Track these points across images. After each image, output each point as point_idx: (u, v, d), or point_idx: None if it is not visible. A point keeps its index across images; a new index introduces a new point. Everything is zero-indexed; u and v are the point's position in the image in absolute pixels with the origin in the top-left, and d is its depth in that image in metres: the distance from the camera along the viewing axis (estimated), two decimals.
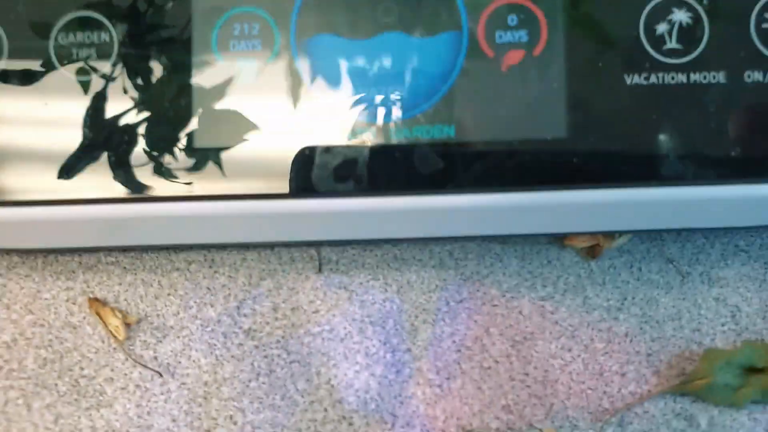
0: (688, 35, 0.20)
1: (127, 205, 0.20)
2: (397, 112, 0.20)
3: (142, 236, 0.21)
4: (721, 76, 0.20)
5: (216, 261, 0.23)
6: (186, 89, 0.21)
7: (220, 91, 0.21)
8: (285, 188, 0.20)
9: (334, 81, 0.21)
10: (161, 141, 0.21)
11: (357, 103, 0.21)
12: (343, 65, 0.21)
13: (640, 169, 0.20)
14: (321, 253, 0.23)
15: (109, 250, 0.22)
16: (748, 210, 0.21)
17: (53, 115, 0.21)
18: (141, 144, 0.20)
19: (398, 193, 0.20)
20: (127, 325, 0.22)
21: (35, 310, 0.22)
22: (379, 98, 0.20)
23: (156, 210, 0.20)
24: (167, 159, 0.20)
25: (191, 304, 0.22)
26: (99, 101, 0.21)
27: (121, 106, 0.21)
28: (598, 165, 0.20)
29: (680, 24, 0.20)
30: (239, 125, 0.20)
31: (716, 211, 0.21)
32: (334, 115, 0.21)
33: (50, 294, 0.23)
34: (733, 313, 0.22)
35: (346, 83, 0.21)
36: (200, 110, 0.21)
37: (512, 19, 0.21)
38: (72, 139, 0.21)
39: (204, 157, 0.20)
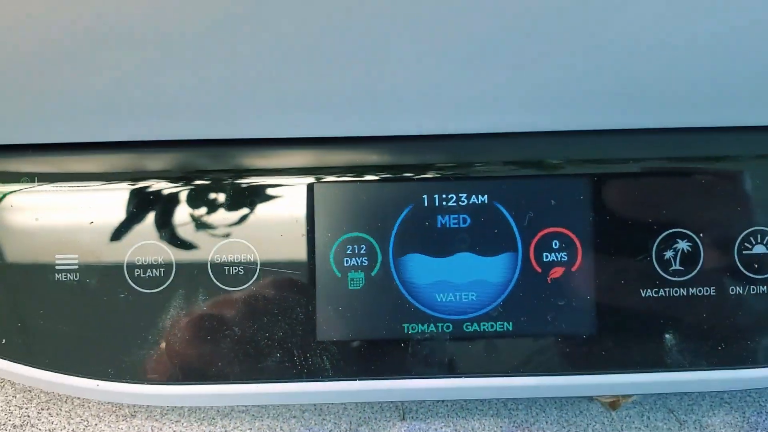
0: (689, 260, 0.27)
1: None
2: (468, 311, 0.27)
3: None
4: (712, 291, 0.27)
5: (323, 410, 0.30)
6: (311, 292, 0.27)
7: (340, 296, 0.27)
8: (385, 370, 0.27)
9: (420, 287, 0.27)
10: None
11: (438, 302, 0.27)
12: (428, 277, 0.27)
13: (650, 358, 0.27)
14: (404, 404, 0.29)
15: None
16: (730, 383, 0.28)
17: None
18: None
19: (468, 374, 0.27)
20: None
21: None
22: (454, 300, 0.27)
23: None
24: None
25: None
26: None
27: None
28: (619, 355, 0.27)
29: (682, 251, 0.27)
30: (351, 321, 0.27)
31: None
32: (420, 311, 0.27)
33: None
34: None
35: (430, 288, 0.27)
36: (322, 307, 0.27)
37: (555, 244, 0.27)
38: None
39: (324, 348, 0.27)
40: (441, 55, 0.23)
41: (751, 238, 0.27)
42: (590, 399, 0.29)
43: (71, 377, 0.27)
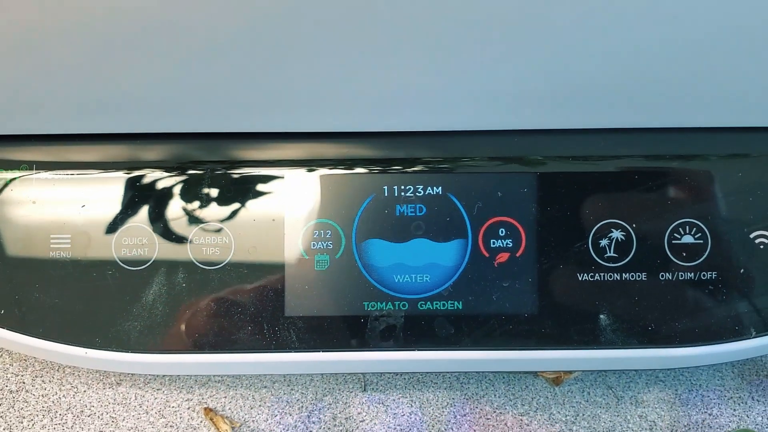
0: (622, 247, 0.30)
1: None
2: (422, 291, 0.30)
3: None
4: (643, 276, 0.30)
5: (292, 381, 0.32)
6: (280, 272, 0.30)
7: (306, 276, 0.30)
8: (347, 344, 0.30)
9: (379, 269, 0.30)
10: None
11: (395, 283, 0.30)
12: (387, 260, 0.30)
13: (586, 336, 0.30)
14: (365, 377, 0.32)
15: None
16: (659, 361, 0.31)
17: None
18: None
19: (422, 348, 0.30)
20: (233, 429, 0.32)
21: (166, 414, 0.32)
22: (410, 281, 0.30)
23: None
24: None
25: (275, 413, 0.32)
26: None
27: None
28: (558, 334, 0.30)
29: (617, 239, 0.30)
30: (316, 299, 0.30)
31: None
32: (378, 290, 0.30)
33: (176, 403, 0.32)
34: (651, 427, 0.32)
35: (388, 271, 0.30)
36: (291, 285, 0.30)
37: (502, 231, 0.30)
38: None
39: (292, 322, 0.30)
40: (401, 58, 0.26)
41: (680, 229, 0.30)
42: (535, 375, 0.32)
43: (62, 345, 0.30)
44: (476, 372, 0.32)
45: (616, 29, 0.24)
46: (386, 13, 0.24)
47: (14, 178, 0.31)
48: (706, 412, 0.31)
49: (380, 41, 0.25)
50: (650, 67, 0.26)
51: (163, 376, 0.32)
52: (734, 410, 0.31)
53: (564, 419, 0.31)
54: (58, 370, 0.33)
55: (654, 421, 0.31)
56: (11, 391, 0.33)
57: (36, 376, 0.33)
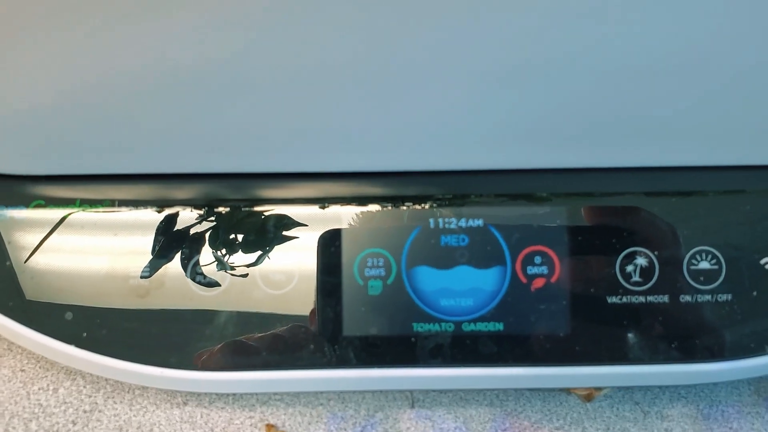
0: (646, 273, 0.33)
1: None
2: (465, 313, 0.33)
3: None
4: (666, 298, 0.33)
5: (345, 398, 0.35)
6: (338, 296, 0.34)
7: (361, 300, 0.33)
8: (398, 361, 0.33)
9: (427, 294, 0.34)
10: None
11: (441, 306, 0.33)
12: (434, 285, 0.34)
13: (615, 354, 0.33)
14: (413, 394, 0.35)
15: None
16: (682, 377, 0.34)
17: None
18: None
19: (466, 365, 0.33)
20: None
21: (230, 431, 0.35)
22: (455, 304, 0.33)
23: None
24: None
25: (331, 428, 0.35)
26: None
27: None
28: (589, 351, 0.33)
29: (641, 266, 0.33)
30: (371, 320, 0.33)
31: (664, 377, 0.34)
32: (426, 313, 0.33)
33: (239, 420, 0.35)
34: None
35: (435, 295, 0.34)
36: (348, 308, 0.33)
37: (538, 259, 0.34)
38: None
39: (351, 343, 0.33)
40: (443, 104, 0.30)
41: (698, 256, 0.33)
42: (568, 392, 0.35)
43: (139, 365, 0.33)
44: (514, 390, 0.35)
45: (647, 75, 0.28)
46: (429, 55, 0.28)
47: (99, 211, 0.34)
48: (727, 426, 0.34)
49: (423, 87, 0.29)
50: (671, 113, 0.30)
51: (227, 395, 0.35)
52: (753, 424, 0.34)
53: None
54: (128, 392, 0.36)
55: None
56: (85, 411, 0.35)
57: (108, 397, 0.36)
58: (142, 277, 0.33)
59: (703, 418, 0.34)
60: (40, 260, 0.34)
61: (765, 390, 0.35)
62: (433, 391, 0.35)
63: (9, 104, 0.30)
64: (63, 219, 0.34)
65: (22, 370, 0.36)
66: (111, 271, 0.34)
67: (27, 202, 0.34)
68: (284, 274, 0.33)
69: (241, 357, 0.33)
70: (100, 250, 0.34)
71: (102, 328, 0.33)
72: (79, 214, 0.34)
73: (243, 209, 0.34)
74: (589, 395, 0.35)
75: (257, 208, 0.34)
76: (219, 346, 0.33)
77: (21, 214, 0.34)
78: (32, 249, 0.34)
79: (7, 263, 0.34)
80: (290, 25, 0.26)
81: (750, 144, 0.32)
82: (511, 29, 0.26)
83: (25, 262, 0.34)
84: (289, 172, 0.34)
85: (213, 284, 0.33)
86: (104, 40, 0.26)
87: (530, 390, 0.35)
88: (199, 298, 0.33)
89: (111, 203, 0.34)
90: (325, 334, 0.33)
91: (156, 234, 0.34)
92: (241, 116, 0.30)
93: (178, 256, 0.34)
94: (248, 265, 0.33)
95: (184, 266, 0.34)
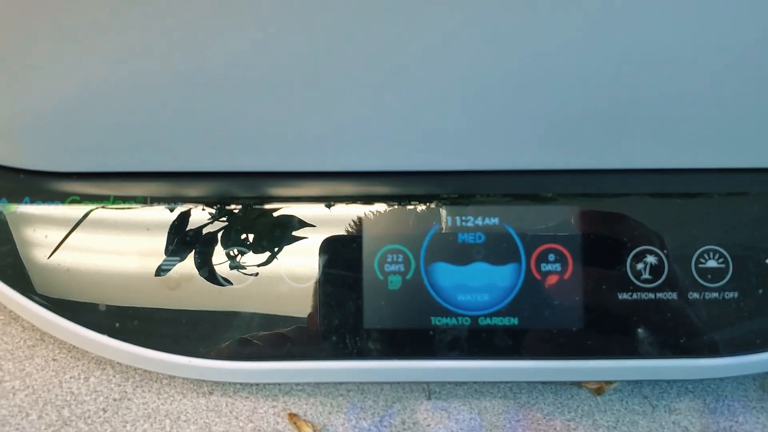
0: (656, 270, 0.35)
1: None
2: (481, 308, 0.35)
3: None
4: (674, 295, 0.35)
5: (365, 389, 0.37)
6: (359, 290, 0.35)
7: (381, 294, 0.35)
8: (417, 353, 0.35)
9: (444, 289, 0.35)
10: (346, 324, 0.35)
11: (459, 301, 0.35)
12: (451, 281, 0.35)
13: (625, 348, 0.34)
14: (429, 387, 0.37)
15: None
16: (689, 371, 0.35)
17: None
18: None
19: (482, 358, 0.35)
20: (314, 431, 0.36)
21: (254, 420, 0.37)
22: (471, 299, 0.35)
23: None
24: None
25: (351, 418, 0.36)
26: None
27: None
28: (600, 346, 0.34)
29: (651, 264, 0.35)
30: (391, 314, 0.35)
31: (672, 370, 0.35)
32: (444, 307, 0.35)
33: (263, 410, 0.37)
34: None
35: (452, 290, 0.35)
36: (368, 302, 0.35)
37: (551, 257, 0.35)
38: None
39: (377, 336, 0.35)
40: (466, 110, 0.31)
41: (705, 255, 0.34)
42: (579, 385, 0.36)
43: (169, 354, 0.35)
44: (527, 383, 0.36)
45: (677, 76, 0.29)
46: (448, 59, 0.29)
47: (131, 207, 0.36)
48: (732, 420, 0.35)
49: (440, 95, 0.30)
50: (678, 116, 0.32)
51: (251, 385, 0.37)
52: (758, 418, 0.36)
53: (606, 425, 0.36)
54: (156, 381, 0.37)
55: (686, 427, 0.35)
56: (115, 399, 0.37)
57: (137, 386, 0.37)
58: (171, 271, 0.35)
59: (709, 412, 0.35)
60: (74, 254, 0.36)
61: None
62: (449, 383, 0.36)
63: (41, 104, 0.32)
64: (89, 213, 0.36)
65: (54, 360, 0.38)
66: (141, 265, 0.35)
67: (63, 198, 0.36)
68: (308, 268, 0.35)
69: (264, 348, 0.34)
70: (130, 245, 0.35)
71: (133, 319, 0.35)
72: (111, 211, 0.36)
73: (262, 207, 0.35)
74: (599, 389, 0.36)
75: (286, 208, 0.35)
76: (244, 337, 0.34)
77: (57, 210, 0.36)
78: (67, 243, 0.36)
79: (46, 256, 0.35)
80: (296, 29, 0.28)
81: (755, 147, 0.33)
82: (517, 30, 0.28)
83: (60, 253, 0.36)
84: (325, 170, 0.35)
85: (239, 279, 0.35)
86: (123, 43, 0.28)
87: (543, 383, 0.36)
88: (226, 292, 0.35)
89: (143, 200, 0.36)
90: (346, 327, 0.34)
91: (183, 230, 0.35)
92: (257, 118, 0.32)
93: (206, 251, 0.35)
94: (274, 260, 0.35)
95: (212, 261, 0.35)
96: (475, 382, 0.36)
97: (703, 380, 0.36)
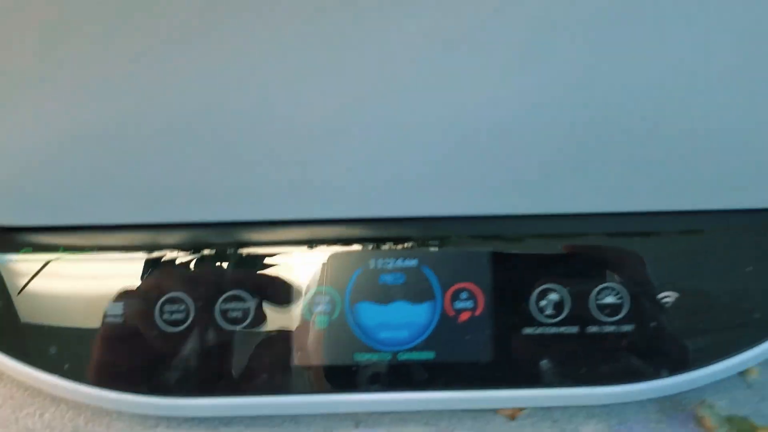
0: (558, 307, 0.38)
1: None
2: (401, 344, 0.38)
3: None
4: (575, 329, 0.38)
5: (298, 420, 0.40)
6: (289, 330, 0.38)
7: (309, 333, 0.38)
8: (342, 387, 0.38)
9: (367, 327, 0.38)
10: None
11: (380, 337, 0.38)
12: (373, 319, 0.38)
13: (532, 378, 0.38)
14: (358, 416, 0.40)
15: None
16: (590, 398, 0.38)
17: None
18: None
19: (402, 390, 0.38)
20: None
21: None
22: (392, 336, 0.38)
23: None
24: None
25: None
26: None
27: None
28: (510, 376, 0.38)
29: (553, 301, 0.38)
30: (318, 351, 0.38)
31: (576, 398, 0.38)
32: (366, 345, 0.38)
33: None
34: None
35: (374, 328, 0.38)
36: (297, 341, 0.38)
37: (464, 295, 0.38)
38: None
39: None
40: (371, 162, 0.35)
41: (604, 291, 0.38)
42: (494, 412, 0.40)
43: (114, 392, 0.38)
44: (448, 410, 0.40)
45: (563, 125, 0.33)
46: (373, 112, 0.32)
47: (77, 257, 0.39)
48: None
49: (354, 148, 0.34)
50: (578, 167, 0.35)
51: (193, 418, 0.40)
52: None
53: None
54: (106, 416, 0.40)
55: None
56: None
57: (88, 421, 0.40)
58: (115, 315, 0.38)
59: None
60: (27, 300, 0.39)
61: (668, 408, 0.40)
62: (376, 413, 0.40)
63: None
64: (46, 264, 0.39)
65: (12, 398, 0.41)
66: (88, 309, 0.38)
67: (17, 249, 0.39)
68: (240, 312, 0.38)
69: (202, 385, 0.37)
70: (78, 290, 0.39)
71: (81, 360, 0.38)
72: (61, 260, 0.39)
73: (198, 255, 0.39)
74: (513, 414, 0.39)
75: (219, 253, 0.39)
76: (182, 375, 0.37)
77: (12, 259, 0.39)
78: (19, 291, 0.39)
79: (2, 304, 0.38)
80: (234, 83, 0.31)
81: (640, 195, 0.37)
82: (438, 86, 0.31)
83: (15, 302, 0.39)
84: (252, 220, 0.39)
85: (175, 324, 0.38)
86: (80, 98, 0.31)
87: (461, 410, 0.40)
88: (166, 334, 0.38)
89: (90, 249, 0.39)
90: (276, 365, 0.37)
91: (127, 278, 0.39)
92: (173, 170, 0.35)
93: (145, 294, 0.38)
94: (208, 305, 0.38)
95: (152, 304, 0.38)
96: (399, 411, 0.40)
97: (609, 405, 0.40)
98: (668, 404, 0.40)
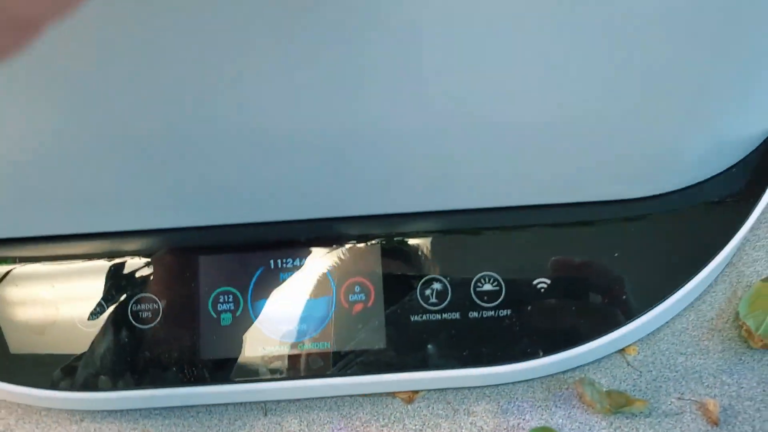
0: (441, 295, 0.42)
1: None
2: (301, 336, 0.42)
3: None
4: (457, 315, 0.42)
5: (212, 410, 0.43)
6: (196, 327, 0.42)
7: (215, 330, 0.42)
8: (247, 377, 0.41)
9: (269, 322, 0.42)
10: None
11: (280, 331, 0.42)
12: (276, 314, 0.42)
13: (422, 362, 0.41)
14: (266, 405, 0.43)
15: None
16: (475, 379, 0.42)
17: None
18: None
19: (303, 378, 0.41)
20: None
21: None
22: (291, 329, 0.42)
23: None
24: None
25: None
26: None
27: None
28: (402, 361, 0.41)
29: (437, 290, 0.42)
30: (223, 346, 0.41)
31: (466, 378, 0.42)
32: (269, 338, 0.42)
33: (126, 431, 0.43)
34: (480, 431, 0.43)
35: (276, 322, 0.42)
36: (204, 337, 0.42)
37: (357, 288, 0.42)
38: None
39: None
40: (259, 165, 0.38)
41: (483, 279, 0.41)
42: (392, 396, 0.43)
43: (40, 390, 0.41)
44: (348, 396, 0.43)
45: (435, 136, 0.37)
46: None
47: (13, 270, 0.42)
48: (520, 418, 0.42)
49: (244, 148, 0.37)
50: (452, 165, 0.39)
51: (116, 411, 0.43)
52: (541, 415, 0.42)
53: (414, 428, 0.42)
54: (36, 413, 0.44)
55: (481, 427, 0.42)
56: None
57: (19, 419, 0.44)
58: (38, 319, 0.41)
59: (502, 413, 0.42)
60: None
61: (554, 387, 0.43)
62: (284, 400, 0.43)
63: None
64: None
65: None
66: (13, 315, 0.42)
67: None
68: (151, 312, 0.41)
69: (119, 380, 0.41)
70: (9, 300, 0.42)
71: (8, 361, 0.41)
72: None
73: (117, 262, 0.42)
74: (409, 398, 0.43)
75: (131, 260, 0.42)
76: (101, 371, 0.41)
77: None
78: None
79: None
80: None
81: (507, 191, 0.40)
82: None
83: None
84: (165, 228, 0.42)
85: (93, 325, 0.41)
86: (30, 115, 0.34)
87: (362, 395, 0.43)
88: (82, 334, 0.41)
89: (13, 260, 0.42)
90: (184, 359, 0.41)
91: (49, 283, 0.42)
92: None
93: (69, 302, 0.42)
94: (121, 307, 0.41)
95: (75, 305, 0.42)
96: (304, 399, 0.43)
97: (499, 385, 0.43)
98: (554, 383, 0.43)
